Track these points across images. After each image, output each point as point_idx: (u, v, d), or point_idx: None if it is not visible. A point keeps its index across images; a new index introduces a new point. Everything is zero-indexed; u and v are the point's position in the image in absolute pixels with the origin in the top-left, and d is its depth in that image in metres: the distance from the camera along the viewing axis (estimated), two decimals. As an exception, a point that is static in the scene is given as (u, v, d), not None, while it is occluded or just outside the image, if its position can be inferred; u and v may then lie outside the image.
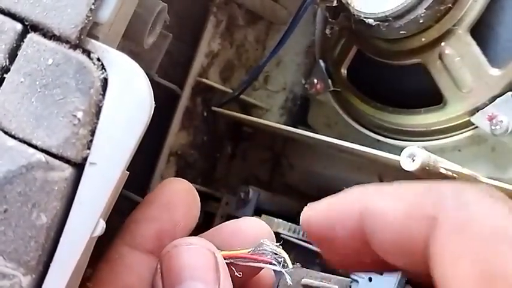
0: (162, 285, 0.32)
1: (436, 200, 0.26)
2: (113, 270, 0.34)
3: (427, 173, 0.40)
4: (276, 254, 0.32)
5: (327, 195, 0.33)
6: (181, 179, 0.37)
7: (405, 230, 0.27)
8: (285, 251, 0.33)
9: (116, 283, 0.33)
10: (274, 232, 0.35)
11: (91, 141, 0.29)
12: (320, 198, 0.32)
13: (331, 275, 0.31)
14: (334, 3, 0.49)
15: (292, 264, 0.32)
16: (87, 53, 0.29)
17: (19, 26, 0.29)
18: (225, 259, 0.33)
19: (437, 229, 0.25)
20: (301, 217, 0.31)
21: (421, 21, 0.44)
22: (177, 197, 0.36)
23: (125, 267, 0.34)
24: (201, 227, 0.37)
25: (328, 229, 0.30)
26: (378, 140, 0.53)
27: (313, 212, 0.31)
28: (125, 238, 0.35)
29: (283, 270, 0.31)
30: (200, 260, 0.32)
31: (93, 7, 0.29)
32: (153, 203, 0.36)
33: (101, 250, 0.34)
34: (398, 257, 0.28)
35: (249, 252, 0.33)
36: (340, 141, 0.49)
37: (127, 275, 0.34)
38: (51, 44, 0.29)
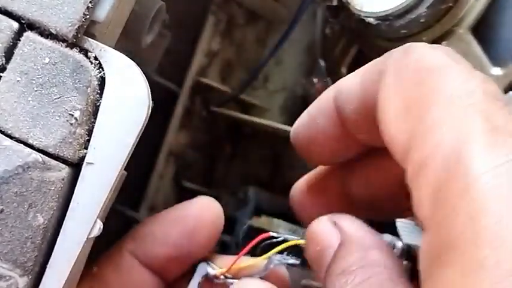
0: None
1: (386, 56, 0.27)
2: (119, 283, 0.34)
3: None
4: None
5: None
6: (213, 199, 0.36)
7: (364, 91, 0.28)
8: (285, 251, 0.33)
9: None
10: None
11: (88, 140, 0.29)
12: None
13: None
14: (335, 3, 0.49)
15: (293, 265, 0.32)
16: (84, 51, 0.29)
17: (15, 25, 0.29)
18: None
19: (382, 78, 0.26)
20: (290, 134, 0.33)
21: (422, 21, 0.44)
22: (203, 224, 0.35)
23: (132, 282, 0.34)
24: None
25: (311, 125, 0.32)
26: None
27: (298, 121, 0.33)
28: (137, 252, 0.34)
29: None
30: None
31: (90, 5, 0.28)
32: (177, 225, 0.35)
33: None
34: (366, 126, 0.28)
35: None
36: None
37: None
38: (48, 42, 0.28)
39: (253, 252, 0.34)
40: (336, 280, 0.27)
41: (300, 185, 0.35)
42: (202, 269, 0.35)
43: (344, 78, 0.30)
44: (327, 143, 0.31)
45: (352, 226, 0.29)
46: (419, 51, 0.25)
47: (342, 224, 0.29)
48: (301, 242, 0.32)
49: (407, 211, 0.31)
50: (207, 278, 0.35)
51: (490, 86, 0.24)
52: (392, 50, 0.27)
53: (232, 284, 0.33)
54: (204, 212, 0.35)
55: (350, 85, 0.29)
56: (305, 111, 0.33)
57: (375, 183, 0.31)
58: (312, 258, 0.30)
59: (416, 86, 0.24)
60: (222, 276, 0.34)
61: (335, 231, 0.29)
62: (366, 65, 0.29)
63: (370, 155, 0.31)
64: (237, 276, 0.34)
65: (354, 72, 0.30)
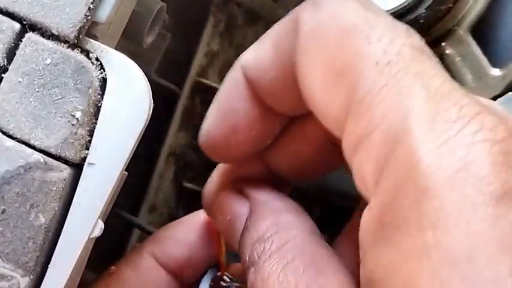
0: None
1: (296, 13, 0.25)
2: (136, 281, 0.34)
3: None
4: None
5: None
6: None
7: (279, 55, 0.26)
8: None
9: None
10: None
11: (89, 141, 0.29)
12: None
13: None
14: (334, 3, 0.49)
15: None
16: (86, 52, 0.29)
17: (17, 26, 0.29)
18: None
19: (297, 39, 0.24)
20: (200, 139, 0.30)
21: (421, 21, 0.44)
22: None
23: (149, 281, 0.34)
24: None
25: (228, 115, 0.29)
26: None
27: (209, 121, 0.30)
28: (156, 252, 0.34)
29: None
30: None
31: (91, 6, 0.28)
32: (197, 228, 0.35)
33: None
34: (287, 94, 0.26)
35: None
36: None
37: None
38: (50, 43, 0.29)
39: None
40: (253, 250, 0.26)
41: (213, 185, 0.33)
42: (211, 275, 0.35)
43: (248, 50, 0.28)
44: (252, 127, 0.28)
45: (259, 191, 0.29)
46: (330, 7, 0.23)
47: (249, 191, 0.29)
48: None
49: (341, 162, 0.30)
50: (215, 283, 0.35)
51: (414, 39, 0.22)
52: (301, 5, 0.25)
53: None
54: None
55: (261, 54, 0.27)
56: (212, 109, 0.30)
57: (305, 149, 0.29)
58: (223, 229, 0.30)
59: (338, 50, 0.22)
60: (226, 277, 0.34)
61: (243, 199, 0.29)
62: (275, 27, 0.27)
63: (293, 124, 0.30)
64: (244, 279, 0.34)
65: (259, 40, 0.27)
